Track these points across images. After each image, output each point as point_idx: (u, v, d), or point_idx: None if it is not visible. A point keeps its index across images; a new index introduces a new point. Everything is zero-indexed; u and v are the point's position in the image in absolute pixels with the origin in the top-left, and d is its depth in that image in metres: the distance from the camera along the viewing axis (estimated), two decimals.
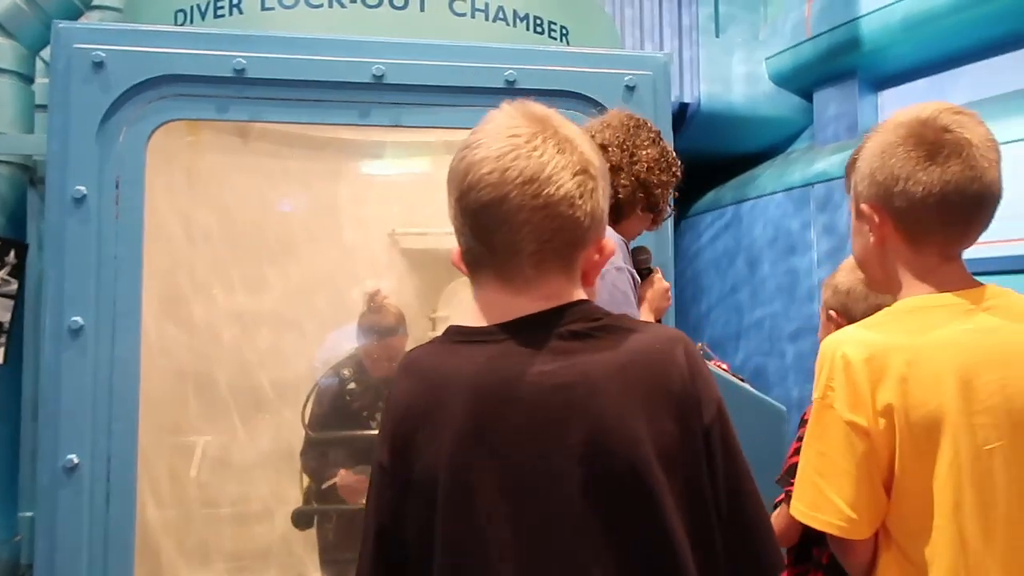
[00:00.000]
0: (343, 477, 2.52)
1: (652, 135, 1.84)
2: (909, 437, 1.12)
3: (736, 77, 6.43)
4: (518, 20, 2.07)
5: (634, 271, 1.73)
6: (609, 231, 1.69)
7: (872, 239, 1.26)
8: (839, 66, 5.85)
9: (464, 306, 3.78)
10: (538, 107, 0.96)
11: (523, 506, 0.87)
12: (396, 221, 3.41)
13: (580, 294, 0.96)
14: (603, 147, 1.77)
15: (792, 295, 6.02)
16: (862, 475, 1.13)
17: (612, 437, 0.86)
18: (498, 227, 0.89)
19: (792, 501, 1.22)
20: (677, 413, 0.88)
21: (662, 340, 0.92)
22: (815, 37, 5.90)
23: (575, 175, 0.90)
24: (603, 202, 0.95)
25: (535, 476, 0.87)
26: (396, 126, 1.88)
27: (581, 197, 0.91)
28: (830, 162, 5.75)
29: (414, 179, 3.41)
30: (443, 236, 3.48)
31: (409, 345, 2.99)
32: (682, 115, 6.37)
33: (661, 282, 1.93)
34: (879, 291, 1.35)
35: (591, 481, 0.85)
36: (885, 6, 5.32)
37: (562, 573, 0.85)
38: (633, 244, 1.85)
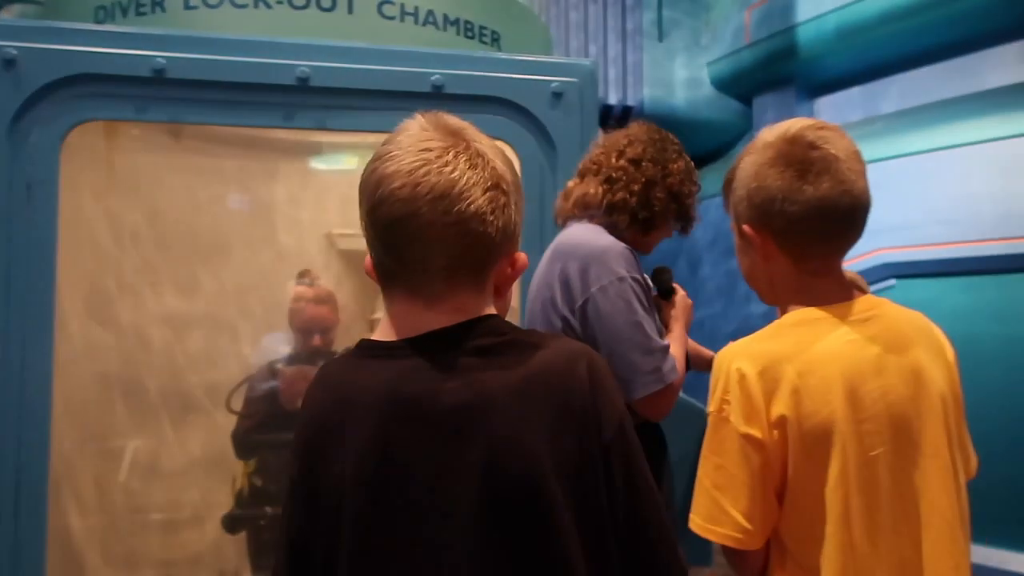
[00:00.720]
0: (283, 375, 2.52)
1: (677, 147, 1.95)
2: (801, 447, 1.14)
3: (678, 81, 6.55)
4: (448, 24, 2.07)
5: (640, 278, 1.75)
6: (612, 240, 1.74)
7: (756, 259, 1.28)
8: (777, 73, 6.00)
9: None
10: (452, 119, 0.96)
11: (422, 525, 0.87)
12: (333, 222, 3.38)
13: (490, 308, 0.96)
14: (636, 161, 1.84)
15: (731, 296, 6.15)
16: (757, 486, 1.15)
17: (509, 456, 0.86)
18: (409, 243, 0.89)
19: (691, 515, 1.22)
20: (576, 431, 0.88)
21: (564, 356, 0.92)
22: (754, 44, 6.04)
23: (486, 191, 0.90)
24: (516, 216, 0.95)
25: (434, 496, 0.88)
26: (321, 129, 1.87)
27: (492, 213, 0.90)
28: None
29: (352, 179, 3.37)
30: None
31: (342, 342, 2.96)
32: (625, 118, 6.45)
33: (685, 299, 2.02)
34: (770, 304, 1.36)
35: (488, 500, 0.86)
36: (819, 15, 5.47)
37: None
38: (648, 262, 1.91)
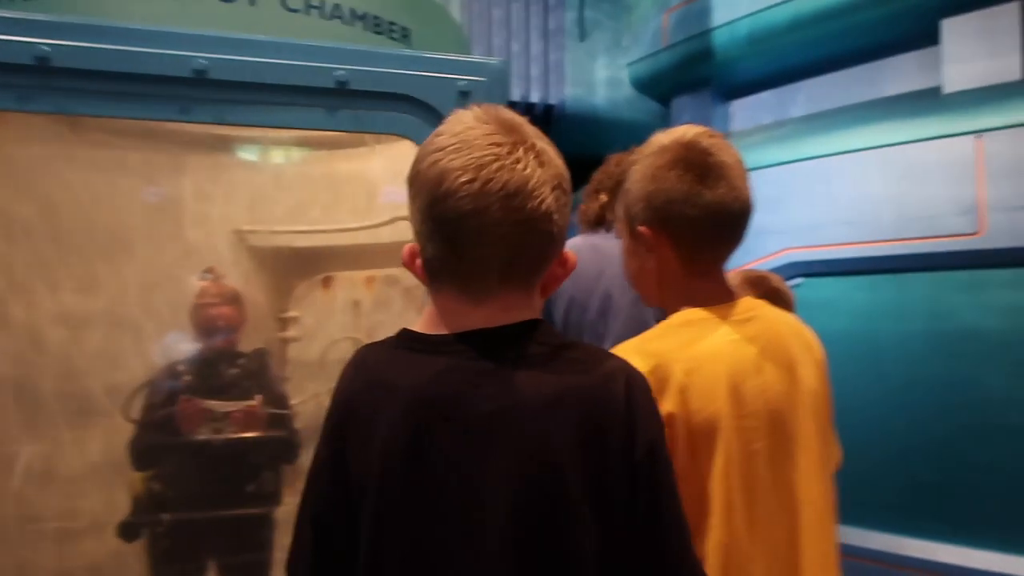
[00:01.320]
0: (182, 403, 2.41)
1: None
2: (689, 443, 1.17)
3: (599, 81, 6.64)
4: (356, 19, 2.04)
5: None
6: None
7: (649, 260, 1.32)
8: (693, 75, 6.14)
9: (316, 307, 3.68)
10: (507, 113, 0.94)
11: (445, 523, 0.87)
12: (243, 218, 3.29)
13: (535, 310, 0.95)
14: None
15: None
16: None
17: (537, 465, 0.86)
18: (473, 239, 0.88)
19: None
20: (606, 447, 0.87)
21: (604, 372, 0.92)
22: (671, 46, 6.17)
23: (553, 189, 0.90)
24: (569, 216, 0.96)
25: (459, 496, 0.87)
26: (220, 123, 1.82)
27: (558, 212, 0.91)
28: None
29: (263, 175, 3.29)
30: (294, 235, 3.39)
31: (258, 343, 2.89)
32: (548, 116, 6.50)
33: None
34: (653, 305, 1.42)
35: (511, 506, 0.85)
36: (733, 20, 5.64)
37: None
38: None
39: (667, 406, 1.17)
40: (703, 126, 1.32)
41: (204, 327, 2.60)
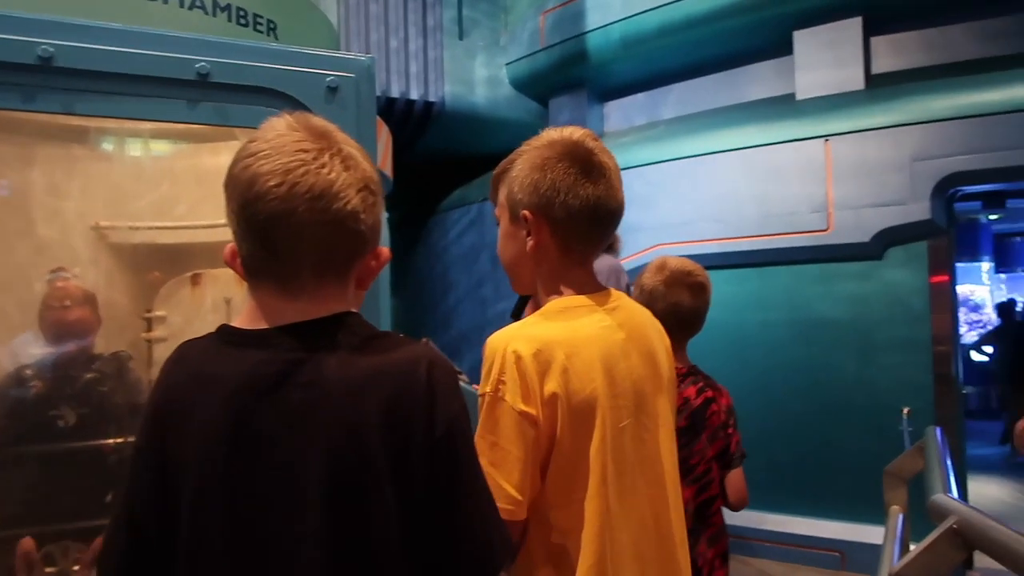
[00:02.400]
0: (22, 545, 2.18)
1: None
2: (570, 421, 1.24)
3: (478, 79, 6.69)
4: (219, 10, 1.98)
5: None
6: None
7: (528, 244, 1.35)
8: (570, 76, 6.31)
9: (183, 305, 3.50)
10: (318, 121, 0.99)
11: (266, 511, 0.91)
12: (102, 213, 3.11)
13: (347, 303, 1.01)
14: None
15: None
16: (529, 460, 1.23)
17: (348, 448, 0.91)
18: (284, 239, 0.93)
19: None
20: (409, 427, 0.94)
21: (408, 358, 0.98)
22: (548, 47, 6.31)
23: (359, 191, 0.95)
24: (380, 214, 1.01)
25: (278, 482, 0.91)
26: (69, 113, 1.72)
27: (364, 212, 0.96)
28: None
29: (125, 168, 3.13)
30: (159, 231, 3.24)
31: (121, 344, 2.75)
32: (428, 113, 6.50)
33: None
34: (523, 292, 1.46)
35: (326, 488, 0.90)
36: (606, 24, 5.83)
37: (278, 571, 0.91)
38: None
39: (550, 386, 1.22)
40: (586, 129, 1.37)
41: (54, 332, 2.43)
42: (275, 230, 0.92)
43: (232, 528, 0.91)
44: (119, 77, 1.70)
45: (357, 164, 0.96)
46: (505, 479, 1.23)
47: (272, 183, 0.91)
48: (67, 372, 2.35)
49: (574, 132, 1.35)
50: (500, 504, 1.21)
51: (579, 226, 1.32)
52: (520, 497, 1.23)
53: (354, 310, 1.01)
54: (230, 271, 1.02)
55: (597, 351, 1.27)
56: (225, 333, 1.00)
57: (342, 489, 0.91)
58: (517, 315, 2.48)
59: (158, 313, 3.19)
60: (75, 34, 1.64)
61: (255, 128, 2.05)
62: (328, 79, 1.86)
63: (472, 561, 0.98)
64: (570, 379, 1.24)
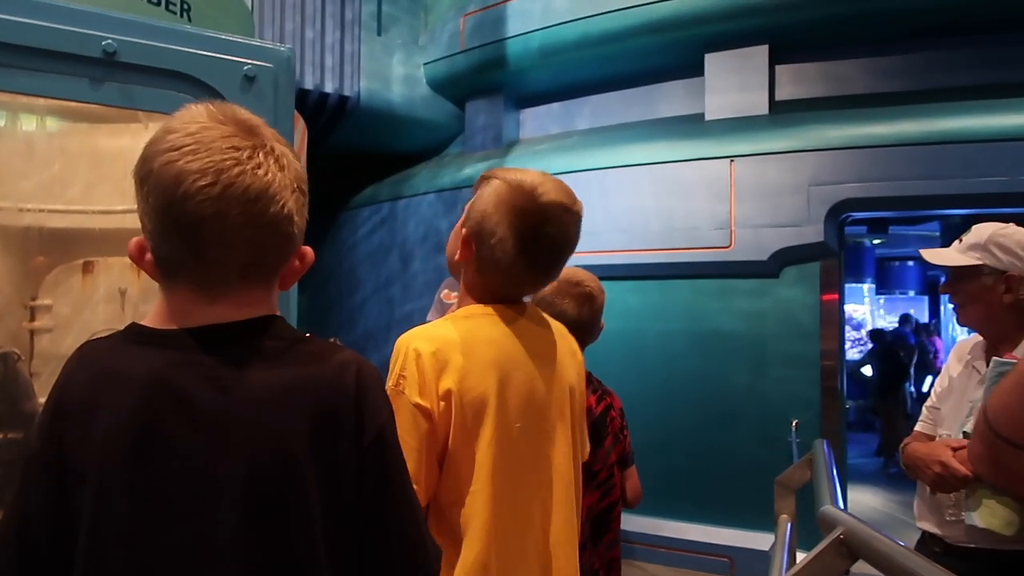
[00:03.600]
0: None
1: None
2: (462, 417, 1.31)
3: (395, 77, 6.61)
4: None
5: None
6: None
7: (458, 253, 1.45)
8: (488, 81, 6.33)
9: (73, 295, 3.31)
10: (245, 113, 0.92)
11: (173, 522, 0.85)
12: None
13: (272, 306, 0.96)
14: None
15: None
16: (424, 451, 1.30)
17: (269, 455, 0.87)
18: (214, 241, 0.86)
19: None
20: (336, 435, 0.90)
21: (335, 364, 0.94)
22: (468, 50, 6.31)
23: (293, 192, 0.90)
24: (306, 215, 0.96)
25: (189, 493, 0.86)
26: None
27: (298, 214, 0.92)
28: (477, 169, 6.18)
29: (10, 145, 2.92)
30: (48, 215, 3.04)
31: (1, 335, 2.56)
32: (342, 108, 6.37)
33: None
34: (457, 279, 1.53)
35: (245, 497, 0.86)
36: (526, 32, 5.88)
37: None
38: None
39: (446, 383, 1.30)
40: (561, 189, 1.41)
41: None
42: (204, 233, 0.85)
43: (136, 543, 0.85)
44: (17, 49, 1.58)
45: (290, 164, 0.91)
46: None
47: (203, 183, 0.83)
48: None
49: (544, 193, 1.37)
50: None
51: (501, 272, 1.41)
52: (415, 485, 1.27)
53: (278, 313, 0.96)
54: (126, 260, 0.95)
55: (494, 355, 1.35)
56: (133, 332, 0.93)
57: (263, 500, 0.86)
58: None
59: (44, 302, 2.98)
60: None
61: (163, 113, 1.95)
62: (245, 68, 1.79)
63: (404, 568, 0.96)
64: (465, 378, 1.32)
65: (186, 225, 0.85)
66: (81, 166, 2.96)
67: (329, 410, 0.90)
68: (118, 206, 2.87)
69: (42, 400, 2.55)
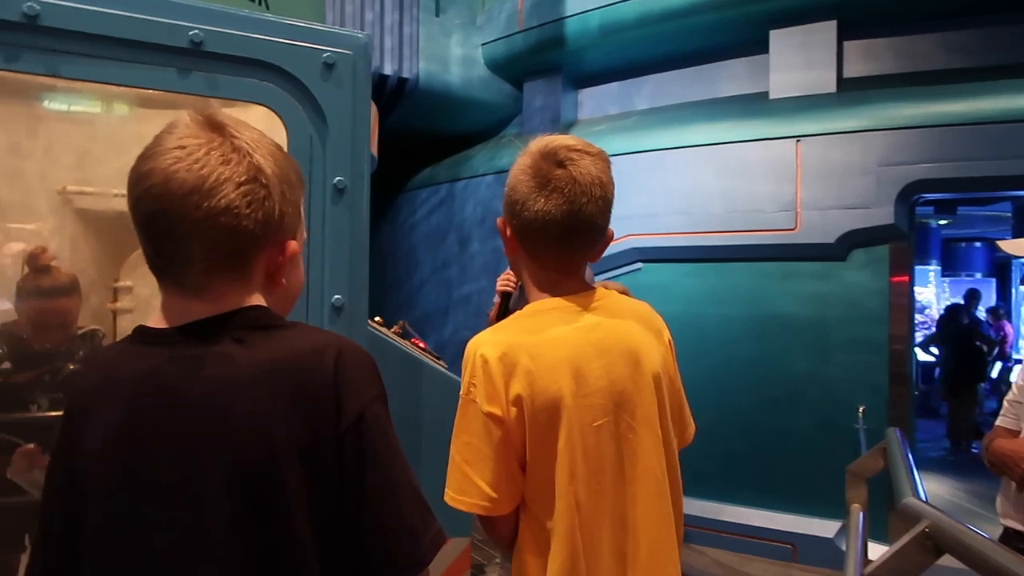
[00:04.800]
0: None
1: None
2: (535, 420, 1.27)
3: (454, 58, 6.61)
4: None
5: None
6: None
7: (505, 248, 1.42)
8: (546, 61, 6.28)
9: (151, 276, 3.43)
10: (220, 116, 0.95)
11: (168, 508, 0.90)
12: (68, 177, 2.99)
13: (254, 298, 0.98)
14: None
15: (497, 273, 6.38)
16: (499, 458, 1.28)
17: (251, 442, 0.89)
18: (165, 238, 0.91)
19: (446, 489, 1.32)
20: (313, 418, 0.91)
21: (312, 346, 0.95)
22: (526, 30, 6.26)
23: (240, 185, 0.91)
24: (282, 206, 0.96)
25: (180, 479, 0.90)
26: (54, 76, 1.65)
27: (249, 207, 0.92)
28: None
29: (94, 131, 3.01)
30: (126, 199, 3.13)
31: (84, 314, 2.66)
32: (401, 89, 6.41)
33: None
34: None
35: (230, 485, 0.89)
36: (585, 11, 5.80)
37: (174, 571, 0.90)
38: None
39: (515, 388, 1.27)
40: (572, 137, 1.37)
41: (36, 322, 2.28)
42: (156, 229, 0.90)
43: (133, 540, 0.90)
44: (108, 40, 1.63)
45: (242, 156, 0.92)
46: (479, 476, 1.29)
47: (150, 182, 0.89)
48: (44, 360, 2.24)
49: (552, 141, 1.35)
50: (475, 500, 1.30)
51: (535, 236, 1.34)
52: (494, 494, 1.29)
53: (262, 304, 0.99)
54: None
55: (564, 352, 1.30)
56: (136, 334, 0.98)
57: (247, 489, 0.89)
58: (500, 317, 2.85)
59: (125, 283, 3.09)
60: None
61: (244, 101, 1.98)
62: (325, 55, 1.81)
63: (386, 557, 0.95)
64: (534, 380, 1.27)
65: (142, 223, 0.91)
66: None
67: (306, 393, 0.91)
68: None
69: None
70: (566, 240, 1.33)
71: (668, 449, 1.40)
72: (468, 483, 1.29)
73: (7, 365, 2.34)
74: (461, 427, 1.31)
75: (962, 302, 8.73)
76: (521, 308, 1.56)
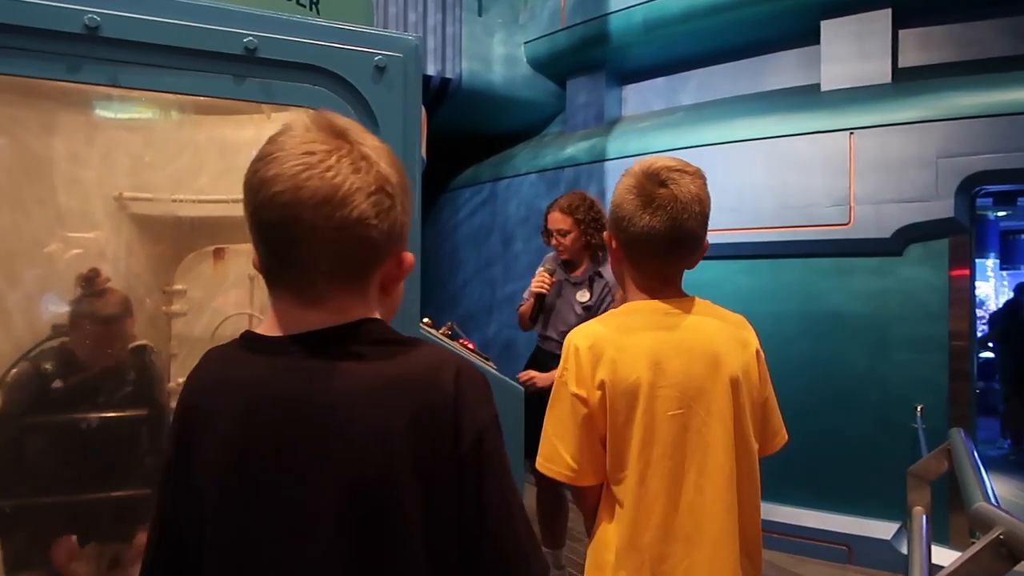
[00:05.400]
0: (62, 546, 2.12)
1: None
2: (615, 404, 1.47)
3: (496, 57, 6.60)
4: None
5: None
6: None
7: (610, 259, 1.65)
8: (589, 58, 6.23)
9: (204, 280, 3.45)
10: (339, 120, 0.94)
11: (282, 519, 0.89)
12: (124, 184, 3.05)
13: (371, 310, 0.97)
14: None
15: None
16: (583, 435, 1.49)
17: (368, 457, 0.88)
18: (291, 246, 0.89)
19: (538, 456, 1.55)
20: (433, 437, 0.90)
21: (432, 364, 0.94)
22: (569, 27, 6.22)
23: (370, 195, 0.90)
24: (402, 217, 0.95)
25: (295, 490, 0.89)
26: (113, 86, 1.68)
27: (376, 217, 0.90)
28: (579, 148, 6.12)
29: (147, 138, 3.07)
30: (181, 204, 3.18)
31: (139, 325, 2.71)
32: (444, 90, 6.42)
33: None
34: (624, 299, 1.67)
35: (346, 498, 0.88)
36: (629, 6, 5.74)
37: None
38: None
39: (600, 374, 1.47)
40: (671, 159, 1.54)
41: (91, 344, 2.30)
42: (283, 237, 0.88)
43: (248, 539, 0.90)
44: (166, 49, 1.65)
45: (370, 165, 0.91)
46: (565, 449, 1.51)
47: (276, 188, 0.87)
48: (94, 378, 2.26)
49: (655, 163, 1.54)
50: (560, 469, 1.51)
51: (638, 249, 1.53)
52: (575, 464, 1.50)
53: (378, 316, 0.98)
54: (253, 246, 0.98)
55: (645, 347, 1.48)
56: (247, 339, 0.98)
57: (363, 505, 0.87)
58: (535, 317, 3.56)
59: (178, 287, 3.15)
60: (122, 3, 1.60)
61: (298, 106, 1.99)
62: (376, 58, 1.81)
63: (501, 574, 0.94)
64: (617, 369, 1.46)
65: (266, 230, 0.90)
66: (209, 156, 3.09)
67: (426, 411, 0.90)
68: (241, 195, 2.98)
69: (174, 384, 2.68)
70: (669, 251, 1.52)
71: (744, 449, 1.51)
72: (555, 453, 1.51)
73: (58, 384, 2.35)
74: (554, 404, 1.54)
75: (1012, 295, 8.42)
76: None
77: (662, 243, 1.49)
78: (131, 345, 2.49)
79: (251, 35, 1.71)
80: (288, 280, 0.92)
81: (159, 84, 1.73)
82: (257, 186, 0.88)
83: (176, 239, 3.13)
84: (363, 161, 0.90)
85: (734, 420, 1.49)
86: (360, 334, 0.93)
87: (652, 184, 1.49)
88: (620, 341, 1.49)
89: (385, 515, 0.88)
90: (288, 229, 0.87)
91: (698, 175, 1.54)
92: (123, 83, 1.69)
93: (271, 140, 0.91)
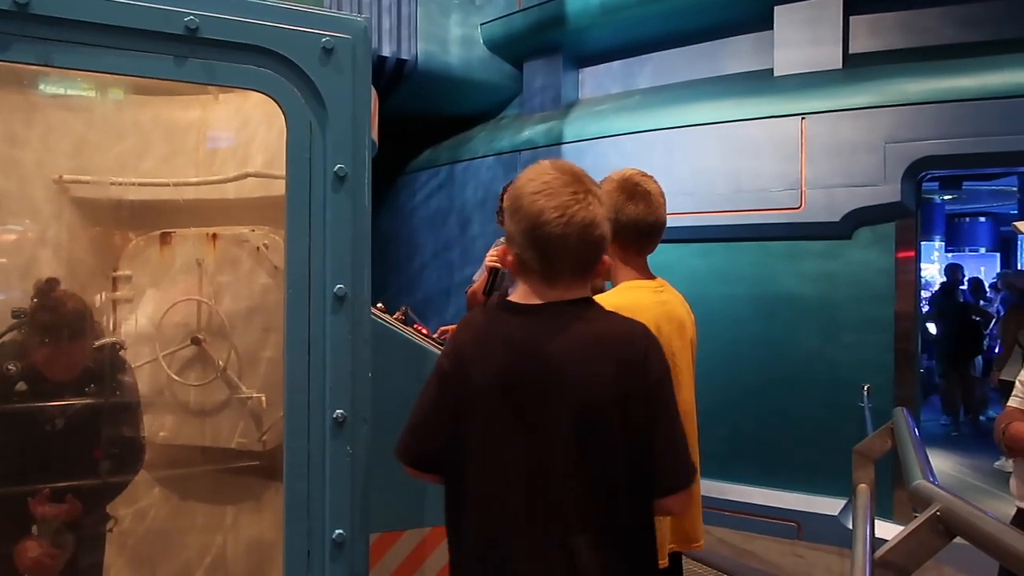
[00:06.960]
0: (29, 548, 2.02)
1: None
2: None
3: (452, 39, 6.53)
4: None
5: None
6: None
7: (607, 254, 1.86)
8: (546, 40, 6.20)
9: (150, 265, 3.32)
10: (573, 167, 1.43)
11: (532, 427, 1.36)
12: (63, 166, 2.94)
13: (586, 291, 1.46)
14: None
15: None
16: None
17: (589, 386, 1.35)
18: (559, 253, 1.38)
19: None
20: (631, 374, 1.37)
21: (629, 327, 1.45)
22: (526, 9, 6.18)
23: (606, 219, 1.41)
24: (609, 233, 1.46)
25: (540, 408, 1.36)
26: (46, 65, 1.61)
27: (605, 235, 1.41)
28: (536, 131, 6.10)
29: (89, 119, 2.96)
30: (126, 187, 3.07)
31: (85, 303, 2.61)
32: (400, 71, 6.34)
33: None
34: (606, 279, 1.99)
35: (575, 414, 1.35)
36: None
37: (541, 471, 1.36)
38: None
39: None
40: (638, 170, 1.95)
41: (47, 364, 2.18)
42: (554, 248, 1.36)
43: (507, 452, 1.37)
44: (102, 28, 1.59)
45: (603, 200, 1.42)
46: None
47: (556, 215, 1.35)
48: (57, 387, 2.16)
49: (624, 172, 1.96)
50: None
51: (628, 236, 1.89)
52: None
53: (591, 296, 1.48)
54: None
55: (651, 315, 1.76)
56: (503, 305, 1.49)
57: (586, 418, 1.35)
58: (488, 291, 3.51)
59: (123, 272, 3.05)
60: None
61: (243, 88, 1.93)
62: (323, 40, 1.77)
63: (674, 473, 1.40)
64: None
65: (542, 241, 1.37)
66: (155, 138, 2.99)
67: (627, 357, 1.38)
68: (192, 178, 2.90)
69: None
70: (649, 235, 1.91)
71: (695, 392, 1.99)
72: None
73: (22, 386, 2.23)
74: None
75: (945, 277, 8.65)
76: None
77: (646, 227, 1.89)
78: (97, 343, 2.41)
79: (192, 14, 1.65)
80: (544, 271, 1.39)
81: (95, 64, 1.66)
82: (538, 212, 1.35)
83: (121, 223, 3.03)
84: (600, 198, 1.41)
85: (692, 372, 1.97)
86: (584, 306, 1.43)
87: (630, 184, 1.91)
88: (634, 309, 1.71)
89: (600, 422, 1.35)
90: (559, 244, 1.36)
91: (655, 179, 1.97)
92: (57, 63, 1.63)
93: (535, 180, 1.39)
